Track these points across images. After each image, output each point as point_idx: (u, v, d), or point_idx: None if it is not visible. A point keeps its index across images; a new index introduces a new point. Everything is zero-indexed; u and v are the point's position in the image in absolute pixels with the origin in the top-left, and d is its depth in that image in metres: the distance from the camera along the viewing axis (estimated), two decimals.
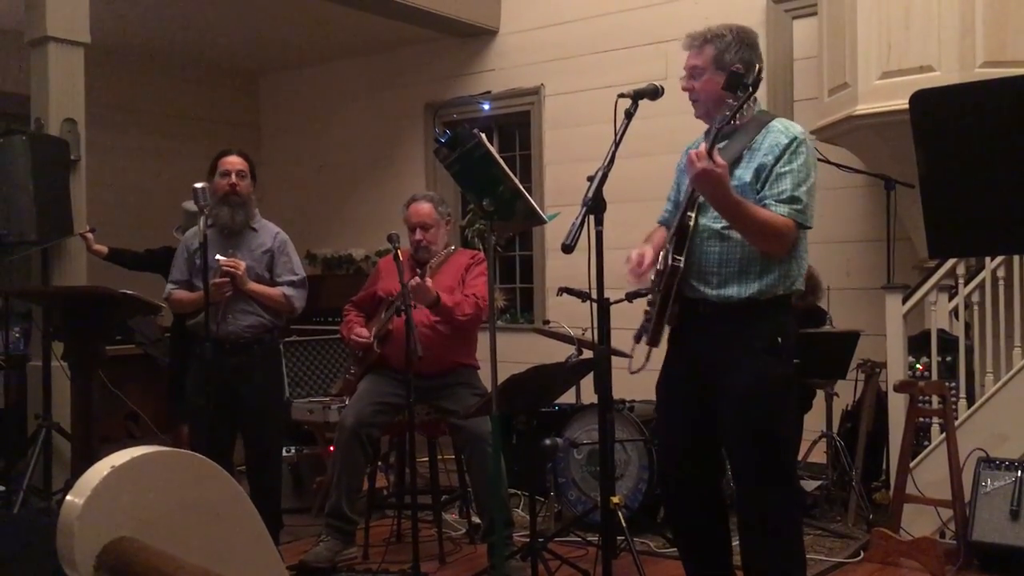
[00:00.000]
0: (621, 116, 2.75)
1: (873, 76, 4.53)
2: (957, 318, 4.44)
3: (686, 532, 3.01)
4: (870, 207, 5.39)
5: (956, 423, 4.02)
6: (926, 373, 4.42)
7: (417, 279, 3.89)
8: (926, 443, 4.29)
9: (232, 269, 3.82)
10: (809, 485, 4.76)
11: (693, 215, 2.80)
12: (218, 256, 3.81)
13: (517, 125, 7.15)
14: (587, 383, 4.26)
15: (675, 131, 4.65)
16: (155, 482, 1.49)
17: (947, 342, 4.40)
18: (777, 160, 2.72)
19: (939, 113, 1.88)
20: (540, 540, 3.60)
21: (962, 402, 4.24)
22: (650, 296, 2.90)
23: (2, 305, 4.80)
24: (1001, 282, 4.24)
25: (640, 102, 2.79)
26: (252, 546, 1.63)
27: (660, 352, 2.97)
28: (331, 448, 4.50)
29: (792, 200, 2.69)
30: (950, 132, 1.88)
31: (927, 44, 4.39)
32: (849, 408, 5.03)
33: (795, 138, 2.73)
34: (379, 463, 4.61)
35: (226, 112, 8.33)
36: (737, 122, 2.75)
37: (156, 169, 7.57)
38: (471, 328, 4.18)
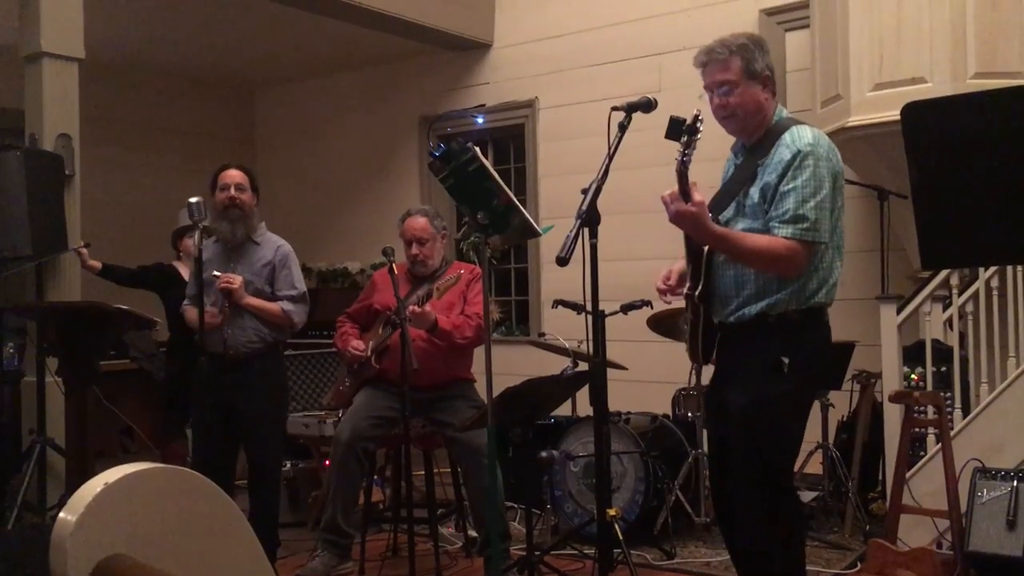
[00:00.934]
0: (615, 129, 2.75)
1: (865, 88, 4.55)
2: (951, 328, 4.44)
3: (730, 540, 3.02)
4: (864, 218, 5.41)
5: (952, 433, 4.01)
6: (921, 383, 4.43)
7: (414, 307, 3.87)
8: (922, 453, 4.28)
9: (227, 285, 3.82)
10: (806, 496, 4.75)
11: None
12: (215, 272, 3.81)
13: (511, 138, 7.17)
14: (583, 395, 4.25)
15: (669, 144, 4.67)
16: (149, 499, 1.48)
17: (942, 352, 4.40)
18: (781, 178, 2.67)
19: (931, 124, 1.89)
20: (537, 553, 3.59)
21: (957, 412, 4.24)
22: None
23: None
24: (995, 292, 4.25)
25: (634, 115, 2.78)
26: (247, 562, 1.63)
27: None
28: (327, 462, 4.48)
29: (796, 220, 2.64)
30: (942, 143, 1.88)
31: (919, 56, 4.41)
32: (845, 419, 5.03)
33: (799, 151, 2.67)
34: (375, 477, 4.59)
35: (221, 126, 8.34)
36: (755, 139, 2.79)
37: (151, 184, 7.56)
38: (476, 344, 4.18)
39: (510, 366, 5.01)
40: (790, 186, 2.66)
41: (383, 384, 4.14)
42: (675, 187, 2.61)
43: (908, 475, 4.05)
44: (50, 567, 1.43)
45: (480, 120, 7.11)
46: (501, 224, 3.05)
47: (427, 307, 3.93)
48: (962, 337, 4.37)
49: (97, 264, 5.11)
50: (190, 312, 4.03)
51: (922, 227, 1.90)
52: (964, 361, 4.33)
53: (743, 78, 2.75)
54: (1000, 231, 1.82)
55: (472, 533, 4.36)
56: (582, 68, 6.60)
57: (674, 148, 2.68)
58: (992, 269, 4.20)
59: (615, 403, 3.70)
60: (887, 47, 4.49)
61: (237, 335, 3.88)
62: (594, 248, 2.69)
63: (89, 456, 3.89)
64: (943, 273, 4.27)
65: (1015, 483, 3.83)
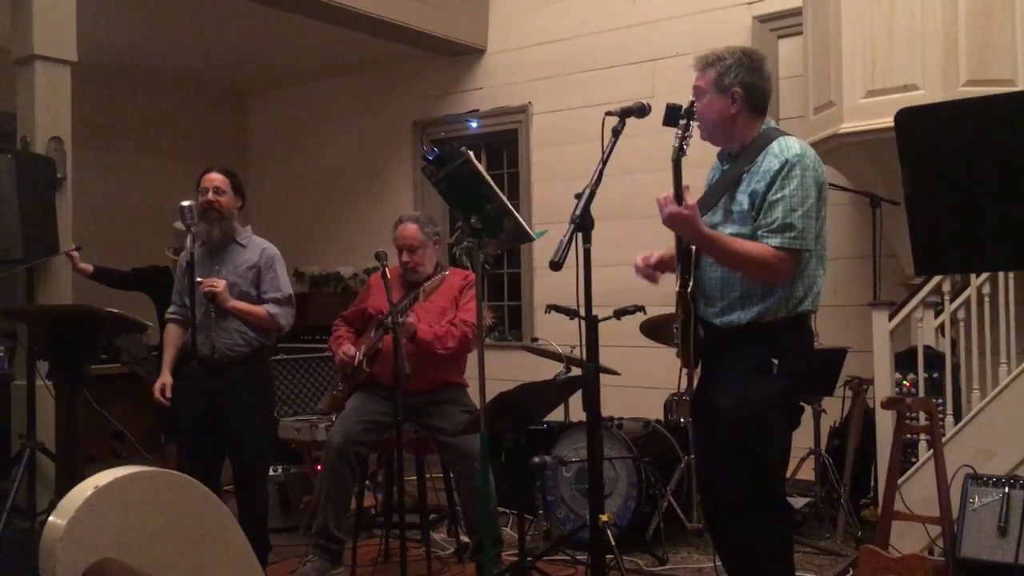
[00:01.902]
0: (608, 134, 2.76)
1: (858, 95, 4.56)
2: (943, 335, 4.45)
3: (718, 540, 3.04)
4: (856, 224, 5.42)
5: (943, 440, 4.02)
6: (913, 390, 4.43)
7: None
8: (913, 460, 4.29)
9: (211, 289, 3.82)
10: (797, 502, 4.76)
11: None
12: (199, 278, 3.81)
13: (505, 143, 7.17)
14: (575, 400, 4.24)
15: (662, 149, 4.67)
16: (139, 502, 1.47)
17: (933, 359, 4.41)
18: (769, 187, 2.73)
19: (924, 131, 1.89)
20: (529, 559, 3.58)
21: (949, 419, 4.25)
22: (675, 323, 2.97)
23: None
24: (987, 299, 4.26)
25: (627, 120, 2.80)
26: (237, 566, 1.62)
27: None
28: (318, 467, 4.47)
29: (784, 228, 2.71)
30: (935, 150, 1.88)
31: (911, 63, 4.43)
32: (837, 425, 5.04)
33: (787, 161, 2.72)
34: (367, 482, 4.58)
35: (214, 130, 8.33)
36: (743, 145, 2.84)
37: (143, 188, 7.55)
38: (459, 354, 4.17)
39: (503, 371, 5.01)
40: (778, 195, 2.72)
41: (375, 389, 4.13)
42: (669, 190, 2.68)
43: (900, 481, 4.05)
44: (39, 572, 1.43)
45: (474, 125, 7.11)
46: (494, 229, 3.05)
47: (411, 317, 3.93)
48: (954, 343, 4.38)
49: (88, 267, 5.09)
50: (167, 331, 4.09)
51: (915, 233, 1.90)
52: (956, 367, 4.34)
53: (712, 88, 2.85)
54: (993, 237, 1.82)
55: (464, 538, 4.35)
56: (576, 74, 6.61)
57: (667, 154, 2.70)
58: (984, 276, 4.21)
59: (608, 408, 3.70)
60: (879, 54, 4.50)
61: (222, 338, 3.88)
62: (587, 253, 2.68)
63: (79, 460, 3.86)
64: (935, 279, 4.28)
65: (1007, 489, 3.84)
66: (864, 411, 4.74)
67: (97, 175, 6.87)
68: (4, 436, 5.03)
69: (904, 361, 4.46)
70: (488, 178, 3.05)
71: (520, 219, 3.10)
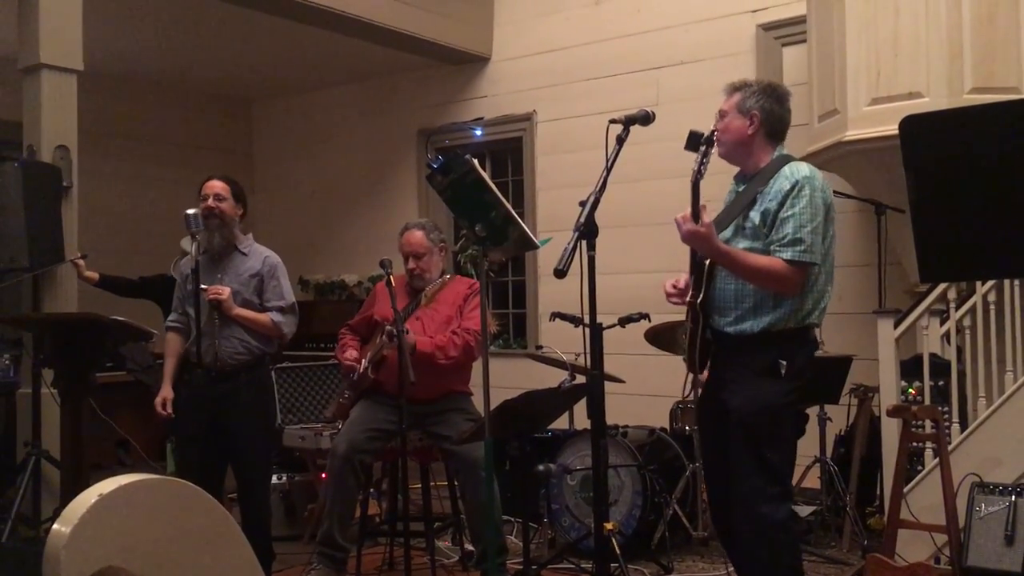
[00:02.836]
0: (613, 142, 2.78)
1: (862, 102, 4.56)
2: (949, 342, 4.44)
3: (726, 541, 3.15)
4: (861, 232, 5.41)
5: (950, 448, 4.01)
6: (919, 397, 4.42)
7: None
8: (920, 468, 4.28)
9: (216, 296, 3.83)
10: (803, 511, 4.74)
11: None
12: (203, 286, 3.82)
13: (509, 151, 7.18)
14: (580, 408, 4.25)
15: (667, 157, 4.68)
16: (143, 510, 1.47)
17: (939, 366, 4.40)
18: (780, 205, 2.90)
19: (928, 138, 1.90)
20: (534, 567, 3.58)
21: (955, 427, 4.24)
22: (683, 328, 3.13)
23: None
24: (992, 306, 4.25)
25: (631, 128, 2.83)
26: (242, 574, 1.62)
27: None
28: (323, 475, 4.46)
29: (794, 243, 2.87)
30: (939, 157, 1.89)
31: (916, 70, 4.42)
32: (842, 433, 5.02)
33: (797, 182, 2.90)
34: (372, 490, 4.57)
35: (219, 139, 8.35)
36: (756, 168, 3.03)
37: (149, 196, 7.57)
38: (463, 363, 4.17)
39: (507, 379, 5.00)
40: (789, 213, 2.89)
41: (381, 396, 4.13)
42: (687, 207, 2.84)
43: (906, 490, 4.03)
44: None
45: (478, 133, 7.12)
46: (499, 236, 3.05)
47: (409, 333, 3.93)
48: (960, 351, 4.37)
49: (94, 275, 5.10)
50: (166, 342, 4.09)
51: (920, 241, 1.90)
52: (962, 375, 4.33)
53: (734, 110, 3.06)
54: (998, 245, 1.82)
55: (469, 547, 4.34)
56: (580, 82, 6.62)
57: (671, 161, 2.72)
58: (989, 283, 4.20)
59: (612, 416, 3.69)
60: (884, 62, 4.50)
61: (225, 346, 3.88)
62: (592, 261, 2.70)
63: (84, 469, 3.86)
64: (940, 287, 4.27)
65: (1013, 498, 3.83)
66: (870, 419, 4.73)
67: (103, 184, 6.89)
68: (9, 444, 5.03)
69: (910, 369, 4.45)
70: (493, 186, 3.05)
71: (525, 227, 3.10)
